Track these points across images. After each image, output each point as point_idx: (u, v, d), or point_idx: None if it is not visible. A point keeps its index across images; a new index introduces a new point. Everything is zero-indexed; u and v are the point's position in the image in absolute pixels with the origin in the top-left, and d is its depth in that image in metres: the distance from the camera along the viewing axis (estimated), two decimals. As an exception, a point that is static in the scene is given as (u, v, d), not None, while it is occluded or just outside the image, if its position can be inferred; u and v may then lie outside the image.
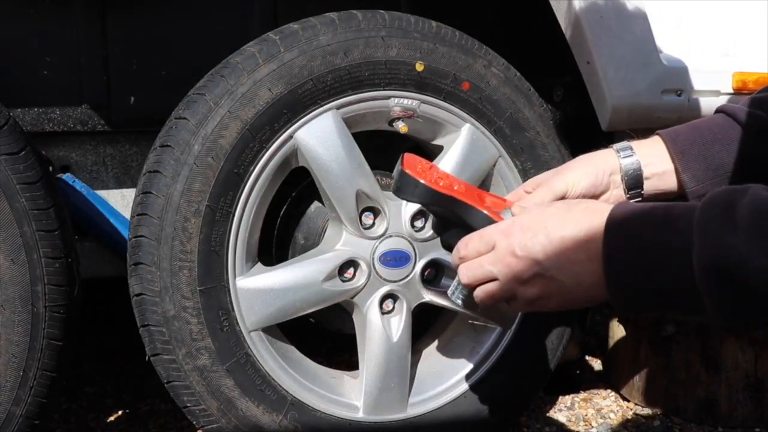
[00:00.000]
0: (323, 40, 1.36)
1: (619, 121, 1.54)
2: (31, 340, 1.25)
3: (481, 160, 1.49)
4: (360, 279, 1.42)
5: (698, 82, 1.59)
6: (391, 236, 1.43)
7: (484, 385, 1.54)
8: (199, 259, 1.32)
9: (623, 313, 1.83)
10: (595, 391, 2.02)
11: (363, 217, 1.42)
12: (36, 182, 1.24)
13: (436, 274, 1.48)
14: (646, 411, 1.91)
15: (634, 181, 1.09)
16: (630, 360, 1.95)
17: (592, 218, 0.86)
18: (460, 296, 1.02)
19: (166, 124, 1.36)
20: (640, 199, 1.10)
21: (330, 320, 1.51)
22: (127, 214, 1.45)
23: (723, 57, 1.73)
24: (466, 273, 0.96)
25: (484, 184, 1.52)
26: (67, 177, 1.52)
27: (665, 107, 1.57)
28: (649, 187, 1.09)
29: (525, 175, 1.51)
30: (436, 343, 1.60)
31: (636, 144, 1.11)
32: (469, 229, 1.00)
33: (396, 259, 1.43)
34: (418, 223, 1.45)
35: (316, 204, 1.49)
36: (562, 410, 1.91)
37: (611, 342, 2.03)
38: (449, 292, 1.04)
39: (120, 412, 1.90)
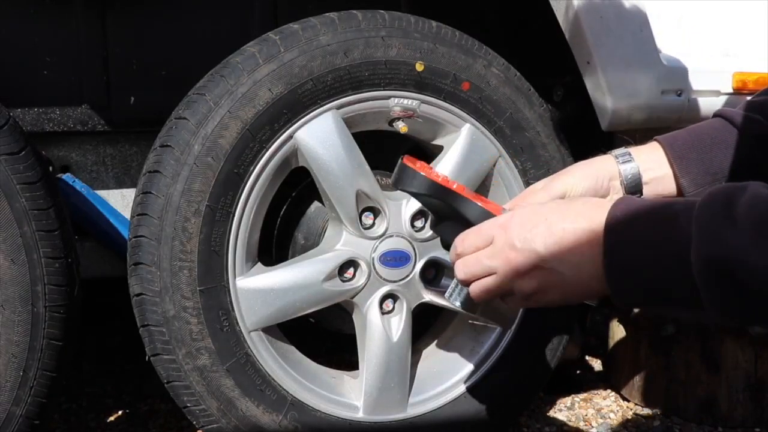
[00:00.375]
0: (323, 40, 1.36)
1: (619, 121, 1.54)
2: (31, 340, 1.25)
3: (481, 160, 1.48)
4: (360, 279, 1.42)
5: (698, 82, 1.59)
6: (391, 236, 1.43)
7: (484, 385, 1.54)
8: (199, 259, 1.32)
9: (622, 306, 1.82)
10: (595, 391, 2.02)
11: (363, 217, 1.42)
12: (36, 182, 1.24)
13: (436, 274, 1.48)
14: (646, 411, 1.91)
15: (633, 186, 1.09)
16: (630, 360, 1.95)
17: (593, 211, 0.86)
18: (459, 297, 1.02)
19: (166, 124, 1.36)
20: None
21: (330, 320, 1.51)
22: (127, 214, 1.45)
23: (723, 57, 1.74)
24: (462, 269, 0.95)
25: (484, 184, 1.52)
26: (67, 177, 1.52)
27: (665, 107, 1.57)
28: (648, 191, 1.09)
29: (525, 175, 1.51)
30: (436, 343, 1.60)
31: (634, 150, 1.11)
32: (467, 224, 0.99)
33: (396, 259, 1.43)
34: (418, 223, 1.45)
35: (316, 204, 1.49)
36: (562, 410, 1.91)
37: (611, 342, 2.03)
38: (447, 293, 1.03)
39: (120, 412, 1.90)
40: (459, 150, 1.46)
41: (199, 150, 1.30)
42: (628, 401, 1.96)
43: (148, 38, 1.56)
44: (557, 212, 0.90)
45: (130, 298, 1.35)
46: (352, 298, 1.43)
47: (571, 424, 1.85)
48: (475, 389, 1.53)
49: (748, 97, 1.14)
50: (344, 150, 1.38)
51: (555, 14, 1.50)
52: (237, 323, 1.36)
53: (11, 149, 1.23)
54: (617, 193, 1.09)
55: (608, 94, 1.51)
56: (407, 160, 1.04)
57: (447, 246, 1.05)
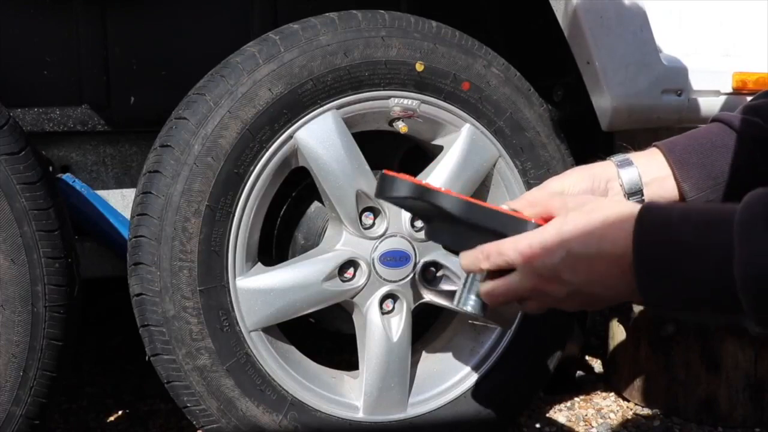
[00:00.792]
0: (323, 40, 1.36)
1: (619, 121, 1.54)
2: (31, 340, 1.25)
3: (481, 160, 1.48)
4: (360, 279, 1.42)
5: (698, 82, 1.59)
6: (391, 236, 1.43)
7: (484, 385, 1.54)
8: (199, 259, 1.32)
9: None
10: (595, 391, 2.02)
11: (363, 217, 1.42)
12: (36, 182, 1.24)
13: (436, 274, 1.48)
14: (646, 411, 1.91)
15: (633, 190, 1.09)
16: (630, 360, 1.95)
17: (615, 232, 0.84)
18: (468, 303, 1.00)
19: (166, 124, 1.36)
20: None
21: (330, 320, 1.51)
22: (127, 214, 1.45)
23: (723, 57, 1.74)
24: (494, 297, 0.95)
25: (485, 184, 1.52)
26: (67, 177, 1.51)
27: (665, 107, 1.57)
28: (650, 193, 1.09)
29: (525, 175, 1.51)
30: (436, 343, 1.60)
31: (634, 155, 1.11)
32: (454, 221, 0.97)
33: (396, 259, 1.43)
34: (418, 223, 1.45)
35: (316, 204, 1.49)
36: (562, 410, 1.91)
37: (611, 342, 2.03)
38: (456, 301, 1.01)
39: (120, 412, 1.90)
40: (459, 150, 1.46)
41: (199, 150, 1.30)
42: (628, 401, 1.96)
43: (148, 38, 1.56)
44: (577, 239, 0.87)
45: (130, 298, 1.35)
46: (352, 298, 1.43)
47: (571, 424, 1.85)
48: (475, 389, 1.53)
49: (748, 98, 1.15)
50: (344, 150, 1.38)
51: (555, 14, 1.50)
52: (237, 323, 1.36)
53: (11, 149, 1.23)
54: (617, 194, 1.09)
55: (608, 94, 1.51)
56: (387, 172, 1.03)
57: (448, 249, 1.04)
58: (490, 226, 0.95)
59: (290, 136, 1.36)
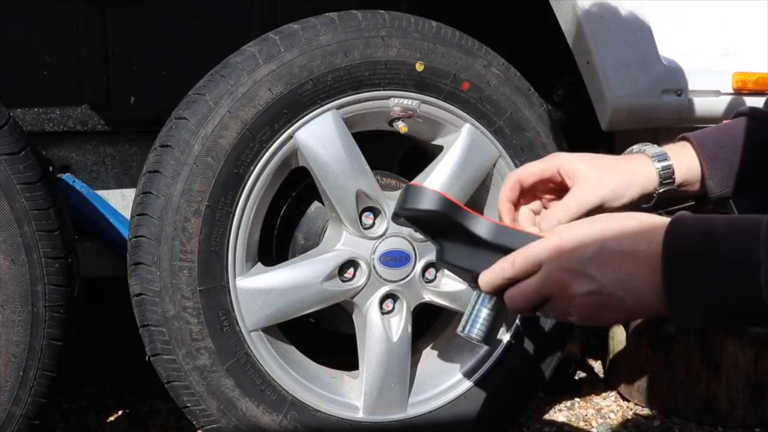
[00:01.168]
0: (323, 40, 1.36)
1: (619, 121, 1.54)
2: (31, 340, 1.25)
3: (481, 160, 1.48)
4: (360, 279, 1.42)
5: (698, 82, 1.59)
6: (391, 236, 1.43)
7: (484, 385, 1.54)
8: (199, 259, 1.32)
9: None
10: (595, 391, 2.03)
11: (363, 217, 1.42)
12: (36, 182, 1.24)
13: (436, 274, 1.48)
14: (646, 411, 1.91)
15: (666, 186, 1.07)
16: (630, 360, 1.95)
17: (652, 233, 0.83)
18: (474, 330, 0.95)
19: (166, 124, 1.36)
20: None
21: (330, 320, 1.51)
22: (127, 214, 1.45)
23: (723, 57, 1.73)
24: (514, 300, 0.90)
25: (485, 184, 1.52)
26: (67, 177, 1.52)
27: (665, 107, 1.57)
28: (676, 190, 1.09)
29: (525, 175, 1.51)
30: (436, 343, 1.60)
31: (668, 149, 1.08)
32: (477, 243, 0.93)
33: (396, 259, 1.43)
34: (418, 223, 1.45)
35: (316, 204, 1.49)
36: (562, 410, 1.91)
37: (611, 342, 2.03)
38: (461, 327, 0.96)
39: (120, 412, 1.90)
40: (459, 150, 1.46)
41: (199, 150, 1.30)
42: (628, 401, 1.96)
43: (148, 38, 1.56)
44: (613, 235, 0.85)
45: (130, 298, 1.35)
46: (352, 298, 1.43)
47: (571, 424, 1.85)
48: (475, 389, 1.53)
49: (748, 98, 1.14)
50: (344, 150, 1.38)
51: (555, 14, 1.50)
52: (237, 323, 1.36)
53: (11, 149, 1.23)
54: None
55: (608, 94, 1.51)
56: (414, 183, 0.99)
57: (459, 274, 0.99)
58: (518, 247, 0.90)
59: (290, 136, 1.36)
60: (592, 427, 1.84)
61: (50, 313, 1.26)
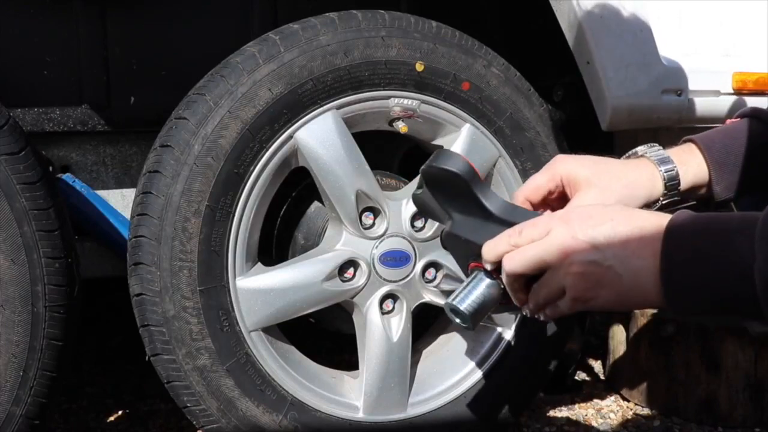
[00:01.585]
0: (323, 40, 1.36)
1: (619, 121, 1.54)
2: (31, 340, 1.25)
3: (481, 160, 1.48)
4: (360, 279, 1.42)
5: (698, 82, 1.59)
6: (391, 236, 1.43)
7: (484, 385, 1.54)
8: (199, 259, 1.32)
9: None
10: (595, 391, 2.03)
11: (363, 217, 1.42)
12: (36, 182, 1.24)
13: (436, 274, 1.48)
14: (646, 411, 1.91)
15: (671, 191, 1.07)
16: (630, 360, 1.95)
17: (661, 219, 0.85)
18: (463, 304, 0.96)
19: (166, 124, 1.36)
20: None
21: (330, 320, 1.51)
22: (127, 214, 1.45)
23: (723, 57, 1.73)
24: (512, 262, 0.89)
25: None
26: (67, 177, 1.52)
27: (665, 107, 1.57)
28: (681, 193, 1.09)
29: (525, 175, 1.51)
30: (436, 343, 1.60)
31: (673, 152, 1.08)
32: (488, 217, 0.96)
33: (396, 259, 1.43)
34: (418, 223, 1.45)
35: (316, 204, 1.49)
36: (562, 410, 1.91)
37: (611, 342, 2.03)
38: (451, 297, 0.98)
39: (120, 412, 1.90)
40: (459, 150, 1.46)
41: (199, 150, 1.30)
42: (628, 401, 1.96)
43: (148, 38, 1.56)
44: (623, 215, 0.87)
45: (130, 298, 1.35)
46: (352, 298, 1.43)
47: (571, 424, 1.85)
48: (475, 389, 1.53)
49: (748, 98, 1.14)
50: (344, 150, 1.38)
51: (555, 14, 1.50)
52: (237, 323, 1.36)
53: (11, 149, 1.23)
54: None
55: (608, 94, 1.51)
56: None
57: (463, 251, 1.00)
58: None
59: (290, 136, 1.36)
60: (592, 427, 1.84)
61: (50, 313, 1.26)
